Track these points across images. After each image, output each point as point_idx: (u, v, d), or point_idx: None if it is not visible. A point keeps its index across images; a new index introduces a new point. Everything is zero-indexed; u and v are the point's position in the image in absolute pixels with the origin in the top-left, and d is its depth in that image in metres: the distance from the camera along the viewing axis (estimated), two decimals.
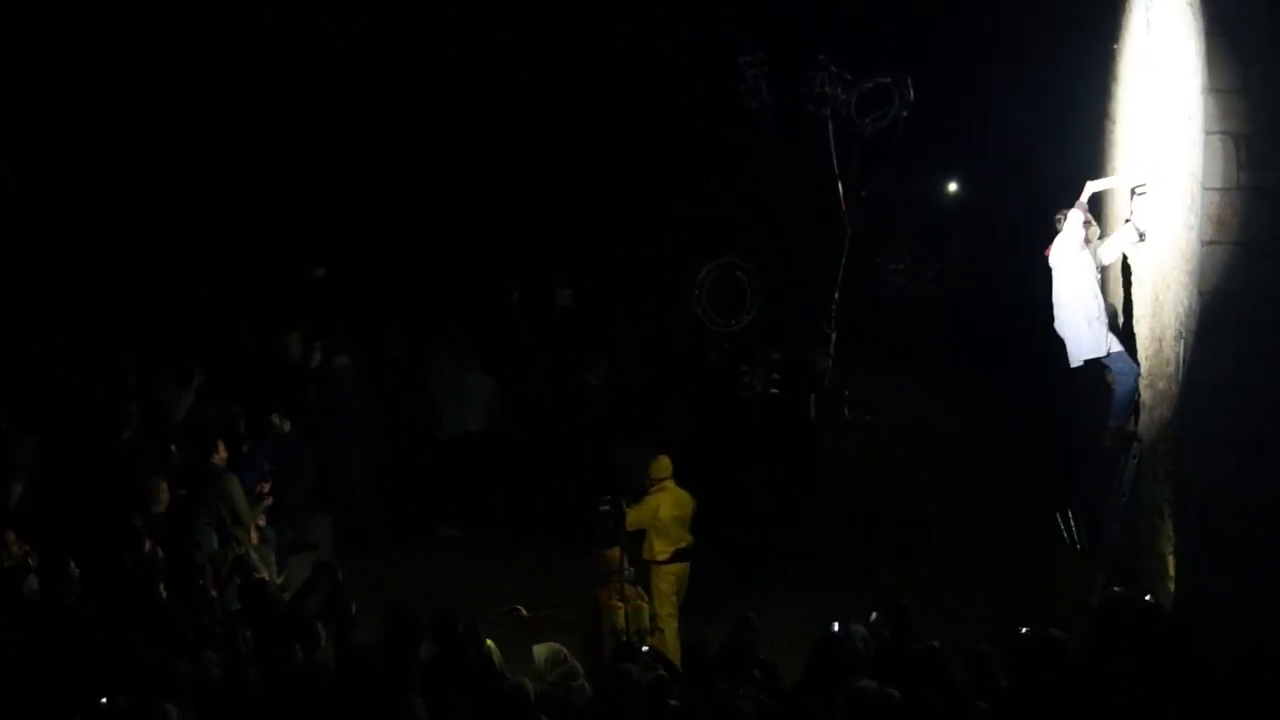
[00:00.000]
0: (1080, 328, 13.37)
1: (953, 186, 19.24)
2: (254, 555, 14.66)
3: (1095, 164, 14.88)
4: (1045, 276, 13.79)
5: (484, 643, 12.05)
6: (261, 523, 15.54)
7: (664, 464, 15.79)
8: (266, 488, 15.60)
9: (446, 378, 18.95)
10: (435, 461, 18.83)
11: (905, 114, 16.12)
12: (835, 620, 11.88)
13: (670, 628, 15.48)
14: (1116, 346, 13.34)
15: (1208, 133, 11.65)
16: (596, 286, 20.82)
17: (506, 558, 17.70)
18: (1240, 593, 11.64)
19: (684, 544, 15.75)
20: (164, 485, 14.47)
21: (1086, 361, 13.50)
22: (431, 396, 18.94)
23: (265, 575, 14.18)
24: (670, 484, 15.72)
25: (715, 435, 18.42)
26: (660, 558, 15.64)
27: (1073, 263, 13.39)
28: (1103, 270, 13.74)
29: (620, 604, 14.19)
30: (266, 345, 18.57)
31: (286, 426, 15.90)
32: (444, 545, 18.50)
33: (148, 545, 13.31)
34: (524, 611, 13.80)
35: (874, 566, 16.73)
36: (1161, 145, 12.68)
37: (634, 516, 15.33)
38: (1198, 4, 11.71)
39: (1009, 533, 16.66)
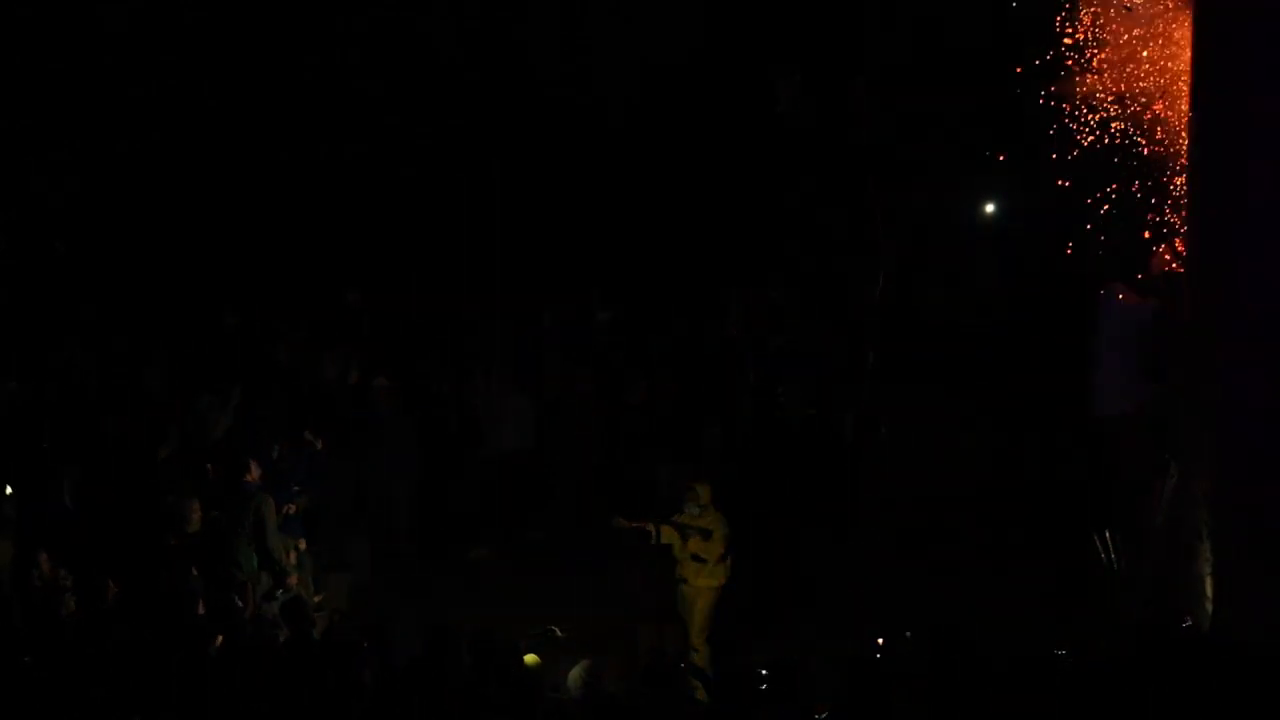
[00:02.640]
0: (1113, 374, 13.36)
1: (990, 207, 19.14)
2: (294, 578, 14.79)
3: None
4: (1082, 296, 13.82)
5: (524, 660, 12.10)
6: (302, 546, 15.59)
7: (709, 489, 15.85)
8: (293, 508, 15.64)
9: (484, 398, 18.97)
10: (472, 481, 18.81)
11: None
12: (876, 639, 11.93)
13: (705, 649, 15.50)
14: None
15: None
16: (633, 306, 20.75)
17: (543, 577, 17.66)
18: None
19: None
20: (195, 505, 14.54)
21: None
22: (473, 417, 18.95)
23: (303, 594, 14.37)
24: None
25: (752, 456, 18.37)
26: (725, 579, 15.69)
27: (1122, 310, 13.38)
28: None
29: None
30: (305, 365, 18.59)
31: (319, 444, 15.94)
32: (478, 565, 18.49)
33: (183, 565, 13.39)
34: (559, 632, 13.82)
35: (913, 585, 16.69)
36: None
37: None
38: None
39: (1047, 553, 16.56)
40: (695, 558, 15.51)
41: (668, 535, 15.33)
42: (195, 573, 13.35)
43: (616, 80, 20.19)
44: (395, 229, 21.57)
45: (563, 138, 20.93)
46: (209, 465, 15.56)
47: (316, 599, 15.15)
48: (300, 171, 21.10)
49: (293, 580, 14.66)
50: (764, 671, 11.41)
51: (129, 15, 20.25)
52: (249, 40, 20.48)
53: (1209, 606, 12.15)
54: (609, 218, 20.80)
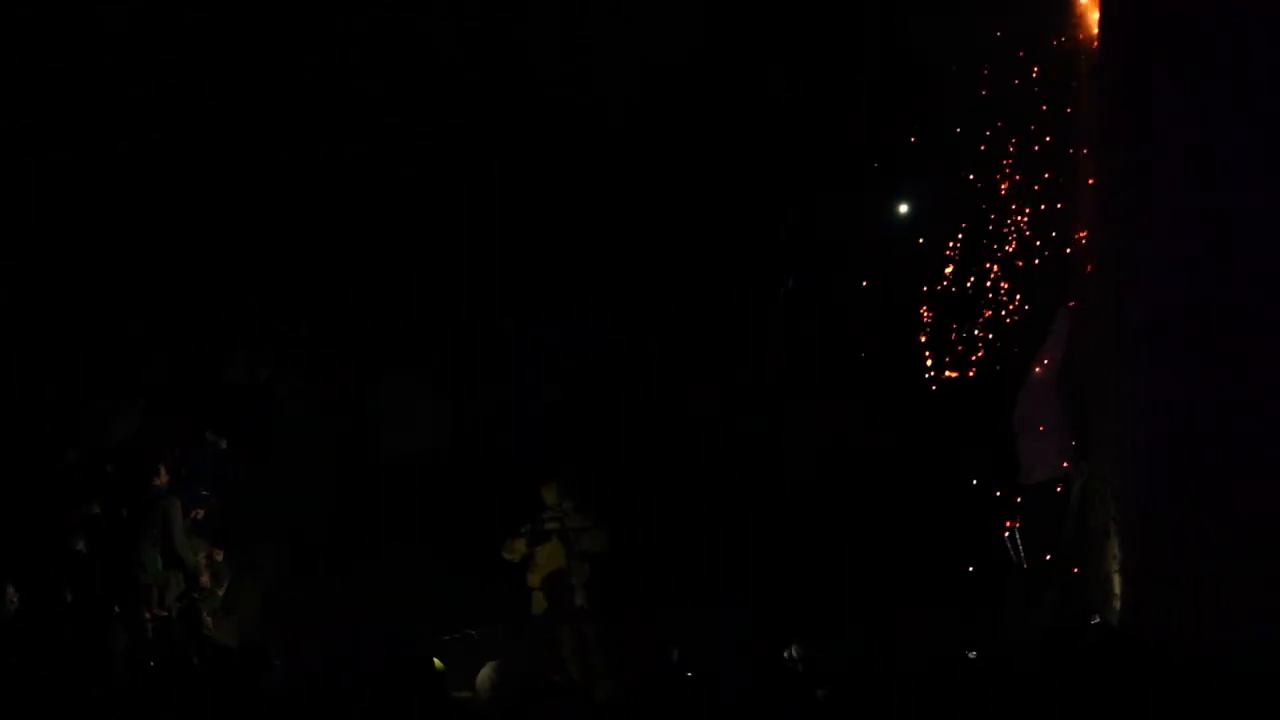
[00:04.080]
0: (1033, 441, 13.44)
1: (904, 208, 19.12)
2: (206, 577, 14.69)
3: None
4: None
5: (434, 664, 12.08)
6: (219, 557, 15.48)
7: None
8: (201, 513, 15.52)
9: (395, 400, 18.87)
10: (384, 483, 18.68)
11: None
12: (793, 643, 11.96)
13: None
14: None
15: None
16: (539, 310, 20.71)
17: (457, 580, 17.54)
18: (1186, 609, 11.66)
19: None
20: (95, 508, 14.41)
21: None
22: (381, 418, 18.84)
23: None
24: None
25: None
26: None
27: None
28: None
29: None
30: (213, 365, 18.39)
31: (223, 444, 15.83)
32: (393, 567, 18.32)
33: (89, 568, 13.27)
34: (474, 634, 13.85)
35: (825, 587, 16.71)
36: None
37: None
38: None
39: (954, 550, 16.61)
40: (583, 555, 15.59)
41: (553, 553, 15.45)
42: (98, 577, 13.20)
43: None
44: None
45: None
46: (108, 467, 15.39)
47: (220, 592, 15.05)
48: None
49: (205, 580, 14.57)
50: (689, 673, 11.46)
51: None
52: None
53: (1117, 604, 12.24)
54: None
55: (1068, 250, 13.95)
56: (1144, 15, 12.32)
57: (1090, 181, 13.62)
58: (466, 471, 18.89)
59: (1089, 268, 13.60)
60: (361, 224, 20.83)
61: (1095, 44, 13.36)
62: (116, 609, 12.79)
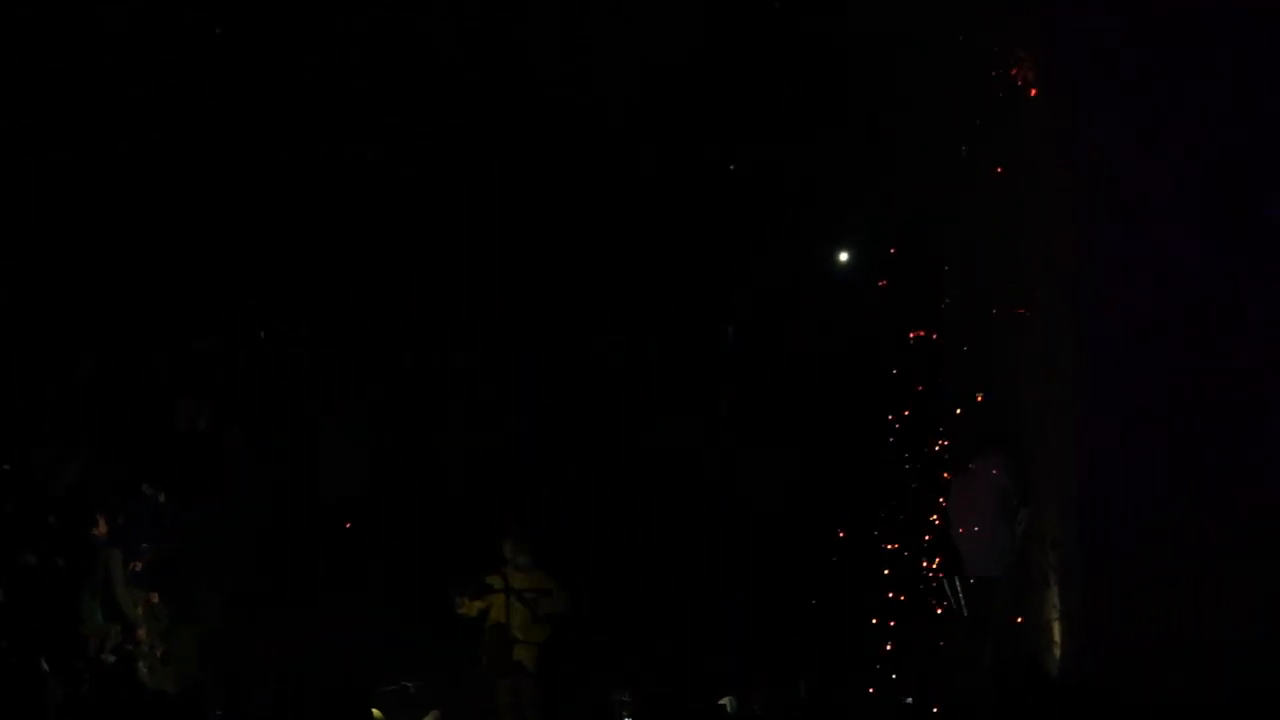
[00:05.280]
0: (978, 542, 13.30)
1: (844, 256, 18.98)
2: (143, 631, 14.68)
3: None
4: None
5: (373, 714, 12.10)
6: (155, 599, 15.43)
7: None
8: (138, 565, 15.48)
9: (331, 442, 18.82)
10: (323, 528, 18.61)
11: None
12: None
13: None
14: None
15: None
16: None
17: (397, 628, 17.41)
18: (1128, 657, 11.58)
19: None
20: (31, 558, 14.41)
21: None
22: (318, 461, 18.78)
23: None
24: None
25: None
26: None
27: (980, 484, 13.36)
28: None
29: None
30: (152, 413, 18.30)
31: (162, 497, 15.80)
32: (334, 616, 18.16)
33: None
34: (411, 688, 13.84)
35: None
36: None
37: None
38: None
39: (895, 598, 16.52)
40: (545, 618, 15.55)
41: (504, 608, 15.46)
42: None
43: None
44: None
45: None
46: (50, 517, 15.36)
47: (158, 652, 15.02)
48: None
49: (141, 634, 14.54)
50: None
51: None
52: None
53: (1056, 651, 12.17)
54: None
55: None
56: (1086, 53, 12.19)
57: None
58: (416, 515, 18.84)
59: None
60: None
61: (1034, 90, 13.21)
62: (46, 664, 12.75)
